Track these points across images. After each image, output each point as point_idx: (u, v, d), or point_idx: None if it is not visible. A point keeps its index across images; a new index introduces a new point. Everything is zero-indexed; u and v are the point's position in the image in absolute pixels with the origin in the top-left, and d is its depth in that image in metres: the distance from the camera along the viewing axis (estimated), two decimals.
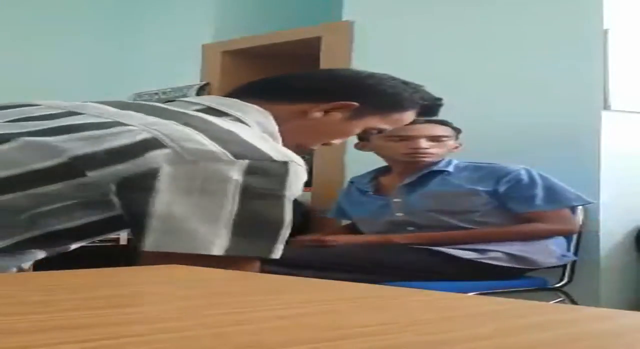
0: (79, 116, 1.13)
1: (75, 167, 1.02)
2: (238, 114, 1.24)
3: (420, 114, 1.49)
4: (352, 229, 3.01)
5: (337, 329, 0.46)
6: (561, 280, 2.81)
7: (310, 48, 3.82)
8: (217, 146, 1.05)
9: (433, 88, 1.50)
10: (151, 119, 1.12)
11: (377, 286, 0.66)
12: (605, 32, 2.95)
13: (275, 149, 1.11)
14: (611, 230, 2.96)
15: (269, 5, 4.53)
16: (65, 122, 1.10)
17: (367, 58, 3.52)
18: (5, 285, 0.65)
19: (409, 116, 1.47)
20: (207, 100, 1.32)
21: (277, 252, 1.08)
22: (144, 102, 1.27)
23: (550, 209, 2.65)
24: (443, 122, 2.77)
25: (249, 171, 1.04)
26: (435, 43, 3.33)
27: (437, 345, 0.42)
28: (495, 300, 0.58)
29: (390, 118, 1.43)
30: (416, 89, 1.46)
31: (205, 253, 1.02)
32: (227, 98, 1.32)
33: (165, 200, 1.01)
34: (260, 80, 1.40)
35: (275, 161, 1.07)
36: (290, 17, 4.34)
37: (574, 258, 2.80)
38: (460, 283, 2.48)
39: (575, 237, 2.87)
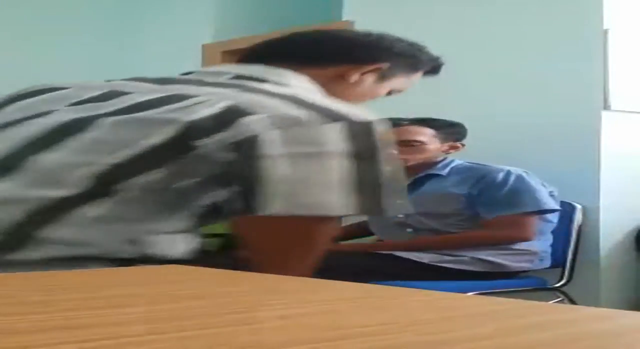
0: (131, 94, 1.10)
1: (184, 139, 1.01)
2: (277, 79, 1.22)
3: (424, 74, 1.49)
4: (359, 229, 3.00)
5: (337, 329, 0.46)
6: (560, 280, 2.81)
7: None
8: (300, 111, 1.05)
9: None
10: (208, 89, 1.10)
11: (377, 286, 0.66)
12: (605, 32, 2.95)
13: (351, 109, 1.10)
14: (611, 230, 2.96)
15: (268, 5, 4.53)
16: (132, 101, 1.08)
17: None
18: (5, 285, 0.65)
19: (419, 76, 1.47)
20: (230, 68, 1.27)
21: (393, 209, 1.08)
22: (179, 77, 1.24)
23: (504, 214, 2.62)
24: (429, 124, 2.76)
25: (339, 134, 1.04)
26: (435, 43, 3.32)
27: (437, 345, 0.42)
28: (494, 300, 0.58)
29: (408, 79, 1.44)
30: (421, 49, 1.47)
31: (326, 214, 1.02)
32: (253, 65, 1.27)
33: (275, 166, 1.00)
34: (272, 45, 1.34)
35: (357, 121, 1.07)
36: (290, 17, 4.34)
37: (547, 265, 2.76)
38: (460, 283, 2.48)
39: (574, 237, 2.86)
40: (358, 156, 1.05)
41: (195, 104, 1.04)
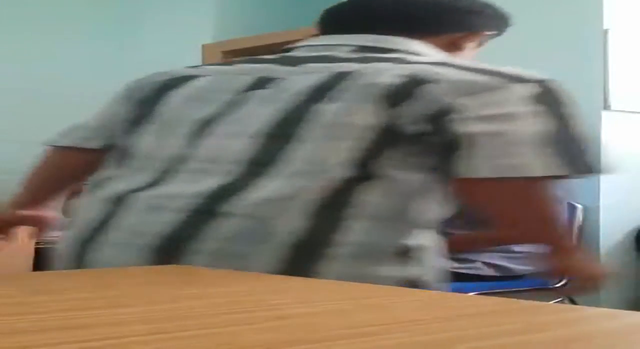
0: (288, 79, 1.10)
1: (383, 110, 1.01)
2: (406, 48, 1.19)
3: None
4: None
5: (338, 329, 0.45)
6: (561, 280, 2.80)
7: None
8: (473, 75, 1.04)
9: None
10: (355, 65, 1.09)
11: (377, 286, 0.66)
12: (605, 32, 2.95)
13: (517, 70, 1.09)
14: (611, 230, 2.96)
15: (268, 5, 4.53)
16: (297, 85, 1.07)
17: None
18: (5, 285, 0.65)
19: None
20: (341, 40, 1.23)
21: (595, 168, 1.07)
22: (298, 55, 1.20)
23: None
24: None
25: (527, 94, 1.04)
26: None
27: (437, 345, 0.42)
28: (495, 300, 0.58)
29: (484, 45, 1.40)
30: (507, 15, 1.41)
31: (527, 175, 1.00)
32: (364, 35, 1.23)
33: (471, 131, 0.99)
34: (371, 12, 1.29)
35: (536, 80, 1.08)
36: (291, 17, 4.34)
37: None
38: (460, 283, 2.48)
39: (575, 237, 2.86)
40: (552, 114, 1.04)
41: (365, 76, 1.04)
